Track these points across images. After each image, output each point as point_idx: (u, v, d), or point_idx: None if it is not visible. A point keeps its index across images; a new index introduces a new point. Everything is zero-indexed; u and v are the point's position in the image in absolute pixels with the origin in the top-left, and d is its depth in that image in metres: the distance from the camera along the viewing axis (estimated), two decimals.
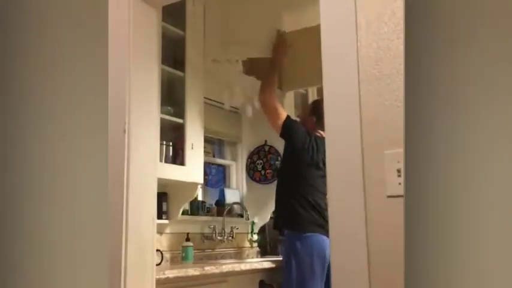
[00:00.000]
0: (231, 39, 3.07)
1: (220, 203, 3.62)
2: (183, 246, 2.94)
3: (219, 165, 3.87)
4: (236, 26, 3.07)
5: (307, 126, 3.02)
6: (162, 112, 2.63)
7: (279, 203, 2.95)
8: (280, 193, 2.95)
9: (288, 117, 2.89)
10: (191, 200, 3.17)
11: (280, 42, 3.03)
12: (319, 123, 2.92)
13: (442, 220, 0.88)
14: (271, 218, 3.70)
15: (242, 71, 3.36)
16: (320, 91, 3.56)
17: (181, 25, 2.98)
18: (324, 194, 2.83)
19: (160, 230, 2.89)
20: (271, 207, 3.73)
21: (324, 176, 2.79)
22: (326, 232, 2.66)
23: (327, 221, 2.64)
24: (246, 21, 3.07)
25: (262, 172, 3.83)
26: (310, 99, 4.06)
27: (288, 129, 2.86)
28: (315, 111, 3.02)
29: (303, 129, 2.92)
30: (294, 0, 3.18)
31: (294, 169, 2.88)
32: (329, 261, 2.64)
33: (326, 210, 2.71)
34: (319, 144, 2.87)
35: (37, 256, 1.00)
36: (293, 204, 2.79)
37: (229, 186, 3.87)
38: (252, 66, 3.38)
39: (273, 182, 3.75)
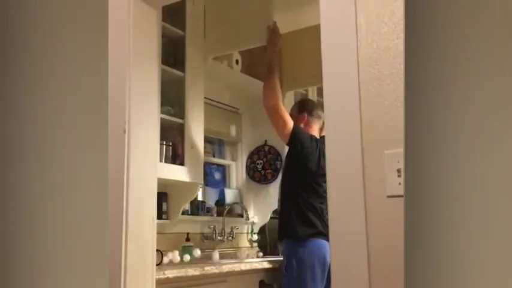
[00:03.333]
0: (228, 35, 3.08)
1: (220, 203, 3.62)
2: (183, 246, 2.94)
3: (219, 165, 3.87)
4: (233, 23, 3.09)
5: (300, 123, 2.97)
6: (162, 112, 2.62)
7: (283, 213, 2.87)
8: (284, 202, 2.88)
9: (295, 125, 2.80)
10: (191, 200, 3.17)
11: (272, 38, 2.96)
12: (312, 117, 2.94)
13: (442, 220, 0.88)
14: (271, 218, 3.70)
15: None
16: (320, 91, 3.56)
17: (181, 25, 2.98)
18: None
19: (160, 230, 2.89)
20: (271, 207, 3.75)
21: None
22: (326, 237, 2.65)
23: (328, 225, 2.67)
24: (240, 17, 3.09)
25: (262, 172, 3.83)
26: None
27: (296, 138, 2.77)
28: (304, 108, 2.99)
29: (308, 136, 2.84)
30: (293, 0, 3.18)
31: (300, 177, 2.80)
32: (329, 266, 2.66)
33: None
34: (323, 148, 2.84)
35: (37, 256, 1.00)
36: (296, 212, 2.73)
37: (229, 186, 3.87)
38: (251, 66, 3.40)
39: (272, 182, 3.75)
